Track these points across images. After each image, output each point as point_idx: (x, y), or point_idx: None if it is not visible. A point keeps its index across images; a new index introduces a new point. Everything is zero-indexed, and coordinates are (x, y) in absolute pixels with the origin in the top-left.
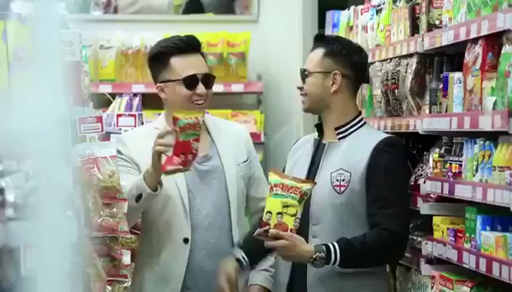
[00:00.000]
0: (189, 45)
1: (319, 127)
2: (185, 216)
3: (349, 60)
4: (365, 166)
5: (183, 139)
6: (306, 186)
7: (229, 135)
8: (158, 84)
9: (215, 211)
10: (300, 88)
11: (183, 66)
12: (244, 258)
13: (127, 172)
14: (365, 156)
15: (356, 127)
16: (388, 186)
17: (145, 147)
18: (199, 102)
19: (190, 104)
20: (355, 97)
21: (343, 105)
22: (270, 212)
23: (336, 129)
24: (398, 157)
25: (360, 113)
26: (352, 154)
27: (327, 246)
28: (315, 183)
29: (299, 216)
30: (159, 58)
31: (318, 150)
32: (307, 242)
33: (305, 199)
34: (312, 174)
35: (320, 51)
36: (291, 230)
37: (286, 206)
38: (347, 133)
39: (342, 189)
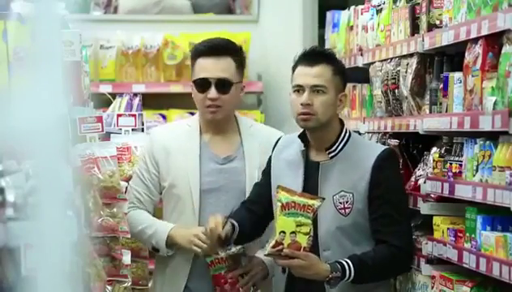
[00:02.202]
0: (209, 49)
1: (303, 138)
2: (194, 216)
3: (345, 79)
4: (367, 185)
5: (213, 273)
6: (317, 203)
7: (260, 139)
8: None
9: (228, 213)
10: (308, 105)
11: (199, 68)
12: (235, 226)
13: (140, 177)
14: (365, 175)
15: (343, 142)
16: (392, 203)
17: (170, 143)
18: (211, 109)
19: (205, 109)
20: None
21: (335, 123)
22: (283, 232)
23: (327, 149)
24: (396, 169)
25: (343, 124)
26: (350, 174)
27: (342, 266)
28: (323, 199)
29: (312, 233)
30: (191, 59)
31: (309, 169)
32: None
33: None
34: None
35: (327, 68)
36: (304, 249)
37: (299, 225)
38: (337, 151)
39: (347, 211)
